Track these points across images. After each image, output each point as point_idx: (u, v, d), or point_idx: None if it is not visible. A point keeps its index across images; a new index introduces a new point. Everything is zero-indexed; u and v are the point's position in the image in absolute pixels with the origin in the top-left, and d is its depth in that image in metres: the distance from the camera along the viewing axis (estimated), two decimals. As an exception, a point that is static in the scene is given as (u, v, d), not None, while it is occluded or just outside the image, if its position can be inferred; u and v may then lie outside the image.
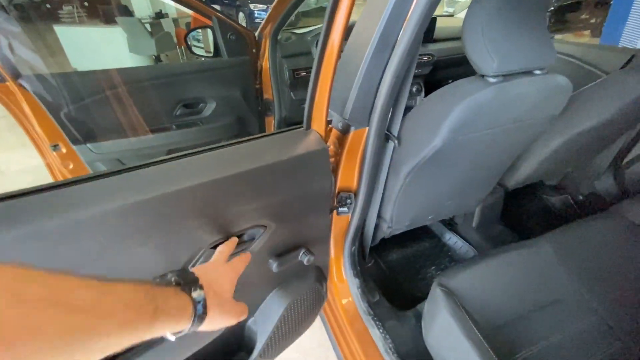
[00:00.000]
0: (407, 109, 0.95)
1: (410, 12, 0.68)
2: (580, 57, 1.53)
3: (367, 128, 0.89)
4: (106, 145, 1.41)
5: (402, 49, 0.74)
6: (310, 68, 1.54)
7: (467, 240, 1.61)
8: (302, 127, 0.79)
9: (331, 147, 1.02)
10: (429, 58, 1.98)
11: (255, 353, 0.86)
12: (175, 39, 4.44)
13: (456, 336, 0.89)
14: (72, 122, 1.26)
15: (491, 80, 0.81)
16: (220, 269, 0.52)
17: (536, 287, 1.03)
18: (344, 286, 1.22)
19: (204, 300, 0.44)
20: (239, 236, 0.73)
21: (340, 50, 0.70)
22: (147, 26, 4.35)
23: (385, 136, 0.98)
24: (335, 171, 1.05)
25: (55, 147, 1.28)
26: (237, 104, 1.76)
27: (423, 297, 1.36)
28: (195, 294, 0.43)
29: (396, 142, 0.96)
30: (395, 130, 0.97)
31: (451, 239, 1.66)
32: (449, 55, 2.07)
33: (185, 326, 0.41)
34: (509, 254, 1.10)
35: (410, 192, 1.08)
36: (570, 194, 1.70)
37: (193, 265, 0.64)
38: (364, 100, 0.84)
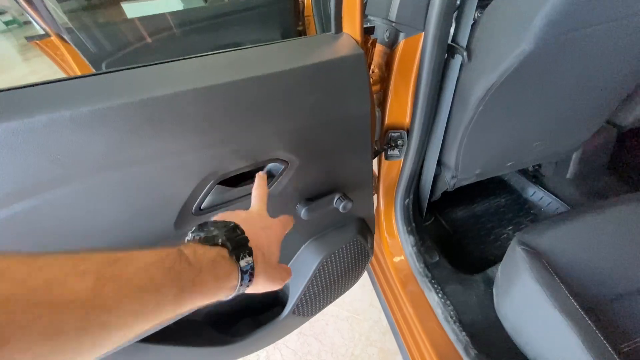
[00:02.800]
0: None
1: None
2: None
3: (423, 33, 0.67)
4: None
5: None
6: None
7: (557, 196, 1.29)
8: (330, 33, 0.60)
9: (375, 70, 0.81)
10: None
11: (288, 309, 0.77)
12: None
13: (543, 308, 0.68)
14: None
15: None
16: (267, 225, 0.42)
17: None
18: (396, 243, 1.06)
19: (252, 268, 0.36)
20: (255, 172, 0.61)
21: None
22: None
23: (448, 49, 0.73)
24: (382, 103, 0.85)
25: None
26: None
27: (496, 260, 1.13)
28: (244, 262, 0.35)
29: (465, 54, 0.71)
30: (462, 40, 0.72)
31: (536, 194, 1.35)
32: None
33: (223, 297, 0.33)
34: (623, 207, 0.80)
35: (484, 128, 0.83)
36: None
37: (208, 210, 0.54)
38: None
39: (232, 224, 0.37)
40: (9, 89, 0.40)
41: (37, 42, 1.20)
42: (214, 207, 0.57)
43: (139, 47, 1.34)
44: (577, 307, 0.65)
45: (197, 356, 0.68)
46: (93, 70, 1.23)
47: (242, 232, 0.37)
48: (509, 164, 1.07)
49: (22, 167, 0.39)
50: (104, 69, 1.26)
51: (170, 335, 0.61)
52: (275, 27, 1.60)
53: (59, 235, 0.45)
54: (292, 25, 1.68)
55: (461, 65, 0.75)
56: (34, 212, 0.42)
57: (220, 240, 0.35)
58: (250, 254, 0.36)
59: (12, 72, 5.33)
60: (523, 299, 0.75)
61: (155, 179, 0.47)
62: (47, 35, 1.20)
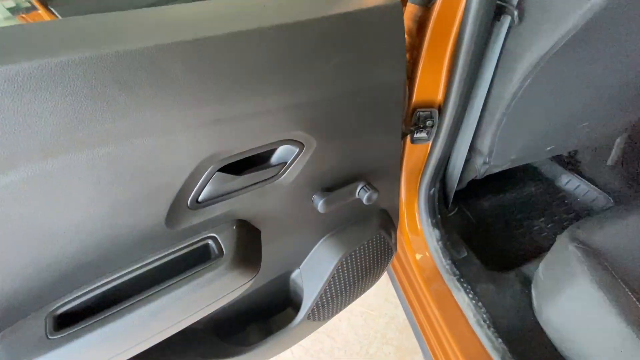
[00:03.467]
0: None
1: None
2: None
3: None
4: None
5: None
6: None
7: (597, 185, 1.16)
8: None
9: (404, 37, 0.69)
10: None
11: (302, 314, 0.68)
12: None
13: (604, 315, 0.57)
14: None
15: None
16: None
17: None
18: (418, 238, 0.95)
19: None
20: (264, 157, 0.50)
21: None
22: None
23: (496, 8, 0.61)
24: (410, 76, 0.73)
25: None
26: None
27: (527, 256, 1.02)
28: None
29: (515, 14, 0.59)
30: None
31: (571, 183, 1.22)
32: None
33: None
34: None
35: (528, 105, 0.71)
36: None
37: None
38: None
39: None
40: None
41: (23, 15, 1.10)
42: (214, 199, 0.47)
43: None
44: None
45: (199, 370, 0.60)
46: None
47: None
48: (549, 148, 0.94)
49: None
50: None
51: (167, 348, 0.52)
52: None
53: (15, 239, 0.36)
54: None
55: (509, 28, 0.62)
56: None
57: None
58: None
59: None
60: (575, 303, 0.65)
61: (136, 163, 0.37)
62: (33, 8, 1.09)
